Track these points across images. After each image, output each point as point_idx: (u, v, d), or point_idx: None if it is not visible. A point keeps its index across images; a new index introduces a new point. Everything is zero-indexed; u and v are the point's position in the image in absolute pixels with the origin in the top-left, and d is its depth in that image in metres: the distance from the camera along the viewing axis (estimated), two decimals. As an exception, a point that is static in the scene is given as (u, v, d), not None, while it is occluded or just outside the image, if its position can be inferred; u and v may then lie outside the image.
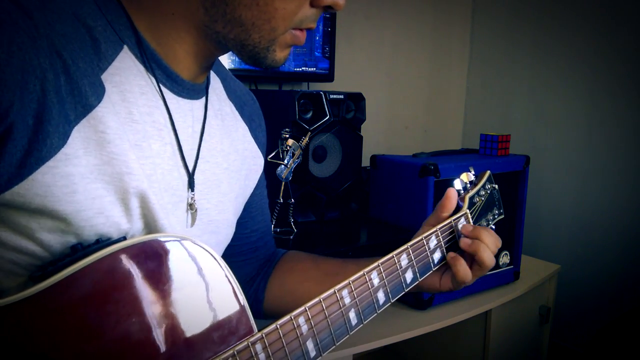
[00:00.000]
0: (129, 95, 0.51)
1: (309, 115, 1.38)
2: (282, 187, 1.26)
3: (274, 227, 1.30)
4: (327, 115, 1.38)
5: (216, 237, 0.66)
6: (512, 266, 1.53)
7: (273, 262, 0.85)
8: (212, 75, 0.68)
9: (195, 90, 0.60)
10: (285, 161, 1.21)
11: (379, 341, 1.18)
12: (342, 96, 1.42)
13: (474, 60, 2.36)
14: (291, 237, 1.30)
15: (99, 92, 0.48)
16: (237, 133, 0.70)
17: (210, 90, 0.65)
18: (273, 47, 0.55)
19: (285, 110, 1.35)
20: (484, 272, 0.71)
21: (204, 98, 0.63)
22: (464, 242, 0.71)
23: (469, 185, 0.81)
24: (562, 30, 2.01)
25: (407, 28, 2.14)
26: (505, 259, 1.50)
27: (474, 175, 0.83)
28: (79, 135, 0.46)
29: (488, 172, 0.85)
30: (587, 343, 1.92)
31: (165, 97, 0.55)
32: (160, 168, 0.54)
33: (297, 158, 1.22)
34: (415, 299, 1.32)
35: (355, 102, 1.49)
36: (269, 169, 1.22)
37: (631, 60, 1.83)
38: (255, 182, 0.76)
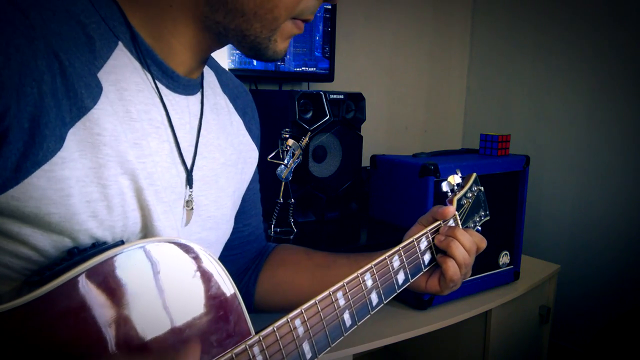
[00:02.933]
0: (126, 93, 0.51)
1: (309, 115, 1.38)
2: (282, 187, 1.26)
3: (274, 227, 1.30)
4: (327, 115, 1.38)
5: (215, 233, 0.66)
6: (512, 266, 1.53)
7: (264, 256, 0.84)
8: (207, 69, 0.68)
9: (191, 85, 0.60)
10: (285, 161, 1.21)
11: (379, 341, 1.18)
12: (342, 96, 1.42)
13: (474, 60, 2.36)
14: (291, 237, 1.29)
15: (95, 92, 0.47)
16: (232, 127, 0.70)
17: (205, 85, 0.64)
18: (274, 37, 0.55)
19: (285, 110, 1.35)
20: (462, 270, 0.72)
21: (199, 93, 0.62)
22: (438, 239, 0.72)
23: (456, 187, 0.82)
24: (562, 30, 2.01)
25: (407, 28, 2.14)
26: (505, 259, 1.50)
27: (460, 177, 0.84)
28: (74, 138, 0.45)
29: (474, 175, 0.86)
30: (587, 343, 1.92)
31: (162, 94, 0.55)
32: (159, 166, 0.54)
33: (297, 158, 1.22)
34: (415, 299, 1.32)
35: (355, 102, 1.49)
36: (269, 169, 1.22)
37: (631, 60, 1.83)
38: (251, 175, 0.76)
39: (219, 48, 0.59)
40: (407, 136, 2.23)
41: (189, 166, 0.59)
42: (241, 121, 0.73)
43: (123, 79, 0.51)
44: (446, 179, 0.81)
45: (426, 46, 2.23)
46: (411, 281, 0.70)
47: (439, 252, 0.74)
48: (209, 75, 0.68)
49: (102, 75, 0.49)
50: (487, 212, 0.88)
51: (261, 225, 0.86)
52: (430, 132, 2.31)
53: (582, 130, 1.97)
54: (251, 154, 0.75)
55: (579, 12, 1.95)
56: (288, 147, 1.20)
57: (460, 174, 0.84)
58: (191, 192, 0.59)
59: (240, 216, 0.77)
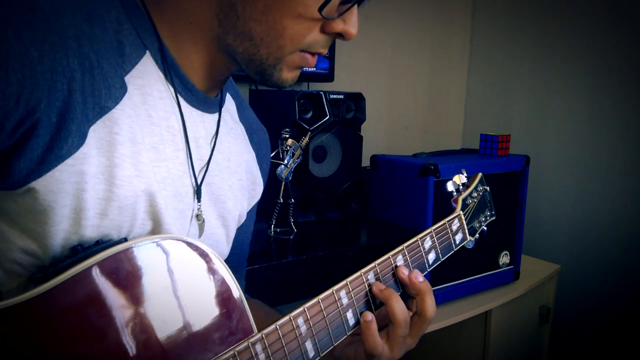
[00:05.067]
0: (149, 98, 0.52)
1: (309, 115, 1.38)
2: (282, 187, 1.26)
3: (274, 227, 1.30)
4: (327, 115, 1.38)
5: (214, 251, 0.65)
6: (512, 266, 1.53)
7: None
8: (228, 97, 0.69)
9: (209, 103, 0.61)
10: (285, 161, 1.21)
11: (379, 341, 1.18)
12: (342, 96, 1.42)
13: (474, 60, 2.36)
14: (291, 237, 1.30)
15: (119, 93, 0.49)
16: (246, 155, 0.71)
17: (224, 110, 0.66)
18: (280, 66, 0.55)
19: (285, 110, 1.35)
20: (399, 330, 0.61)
21: (216, 114, 0.63)
22: (377, 287, 0.63)
23: (461, 187, 0.82)
24: (563, 30, 2.01)
25: (407, 28, 2.14)
26: (505, 259, 1.51)
27: (466, 177, 0.83)
28: (94, 135, 0.47)
29: (480, 174, 0.86)
30: (587, 343, 1.93)
31: (181, 105, 0.56)
32: (172, 173, 0.55)
33: (297, 158, 1.22)
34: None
35: (355, 102, 1.49)
36: (269, 169, 1.22)
37: (631, 60, 1.83)
38: (250, 207, 0.75)
39: (235, 70, 0.60)
40: (407, 136, 2.23)
41: (199, 180, 0.59)
42: (254, 155, 0.73)
43: (148, 85, 0.52)
44: (451, 179, 0.81)
45: (426, 46, 2.23)
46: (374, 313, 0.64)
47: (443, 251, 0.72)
48: (230, 104, 0.70)
49: (129, 78, 0.50)
50: (493, 212, 0.87)
51: (243, 270, 0.82)
52: (430, 132, 2.31)
53: (582, 130, 1.97)
54: (256, 188, 0.75)
55: (579, 12, 1.95)
56: (288, 147, 1.20)
57: (465, 174, 0.83)
58: (199, 205, 0.60)
59: None
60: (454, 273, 1.40)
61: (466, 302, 1.41)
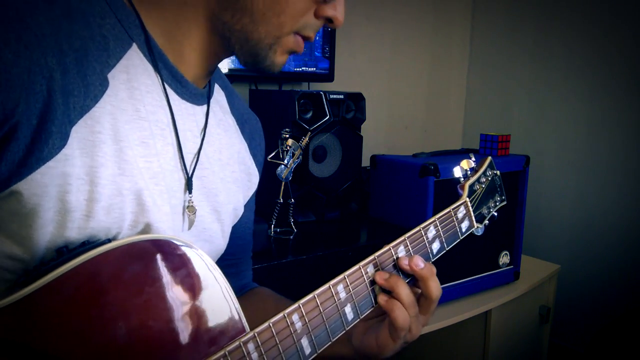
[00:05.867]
0: (136, 92, 0.51)
1: (309, 115, 1.38)
2: (282, 187, 1.26)
3: (274, 227, 1.30)
4: (327, 115, 1.38)
5: (209, 246, 0.64)
6: (512, 266, 1.53)
7: (238, 295, 0.79)
8: (217, 88, 0.68)
9: (198, 95, 0.60)
10: (285, 161, 1.21)
11: (379, 341, 1.18)
12: (342, 96, 1.42)
13: (474, 60, 2.36)
14: (291, 237, 1.30)
15: (98, 91, 0.47)
16: (237, 146, 0.70)
17: (212, 101, 0.65)
18: (275, 47, 0.55)
19: (285, 110, 1.35)
20: (410, 311, 0.62)
21: (205, 105, 0.63)
22: (381, 276, 0.62)
23: (469, 172, 0.79)
24: (562, 31, 2.01)
25: (407, 28, 2.14)
26: (505, 259, 1.50)
27: (474, 162, 0.80)
28: (76, 135, 0.46)
29: (489, 158, 0.82)
30: (587, 343, 1.93)
31: (169, 98, 0.55)
32: (163, 168, 0.54)
33: (297, 158, 1.22)
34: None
35: (355, 102, 1.49)
36: (269, 169, 1.22)
37: (631, 60, 1.83)
38: (247, 199, 0.74)
39: (225, 56, 0.60)
40: (407, 136, 2.23)
41: (189, 172, 0.58)
42: (247, 145, 0.73)
43: (135, 79, 0.51)
44: (459, 164, 0.78)
45: (426, 46, 2.23)
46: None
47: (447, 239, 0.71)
48: (219, 95, 0.69)
49: (114, 73, 0.49)
50: (504, 197, 0.83)
51: (247, 261, 0.81)
52: (430, 132, 2.31)
53: (582, 130, 1.97)
54: (251, 179, 0.74)
55: (579, 12, 1.95)
56: (288, 147, 1.20)
57: (474, 158, 0.80)
58: (191, 197, 0.59)
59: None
60: (454, 273, 1.40)
61: (466, 302, 1.41)
